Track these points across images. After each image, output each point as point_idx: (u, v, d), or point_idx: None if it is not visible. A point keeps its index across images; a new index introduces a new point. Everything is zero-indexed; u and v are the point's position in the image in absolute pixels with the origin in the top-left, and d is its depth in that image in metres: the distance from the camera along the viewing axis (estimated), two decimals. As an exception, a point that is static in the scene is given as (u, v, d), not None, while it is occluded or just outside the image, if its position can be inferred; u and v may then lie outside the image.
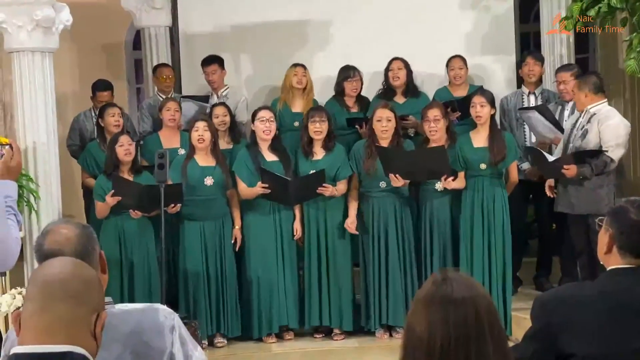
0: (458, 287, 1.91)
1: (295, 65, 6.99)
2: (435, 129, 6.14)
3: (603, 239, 2.74)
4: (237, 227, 6.34)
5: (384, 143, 6.21)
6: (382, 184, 6.24)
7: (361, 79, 6.99)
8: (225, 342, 6.31)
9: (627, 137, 5.99)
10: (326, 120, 6.32)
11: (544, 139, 6.55)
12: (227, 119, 6.68)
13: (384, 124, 6.18)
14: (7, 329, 5.35)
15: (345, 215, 6.32)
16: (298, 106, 6.94)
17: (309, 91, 7.00)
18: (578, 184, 5.93)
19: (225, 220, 6.31)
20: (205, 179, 6.21)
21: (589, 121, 5.94)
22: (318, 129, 6.28)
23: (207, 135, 6.23)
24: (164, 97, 7.28)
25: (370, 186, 6.30)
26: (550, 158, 6.07)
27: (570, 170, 5.86)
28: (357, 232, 6.28)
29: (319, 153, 6.37)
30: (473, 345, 1.87)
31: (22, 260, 5.95)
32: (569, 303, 2.65)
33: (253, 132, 6.42)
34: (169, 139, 6.76)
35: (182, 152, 6.53)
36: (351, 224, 6.27)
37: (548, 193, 6.24)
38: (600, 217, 2.82)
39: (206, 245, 6.22)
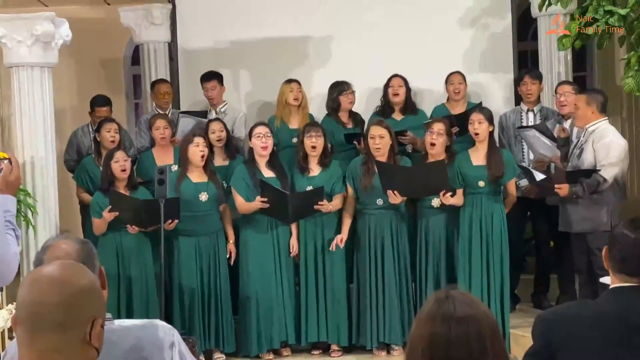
0: (460, 305, 1.91)
1: (290, 81, 6.98)
2: (436, 141, 6.14)
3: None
4: (231, 241, 6.33)
5: (380, 160, 6.20)
6: (379, 201, 6.22)
7: (354, 92, 6.98)
8: (224, 357, 6.29)
9: (624, 156, 5.94)
10: (322, 136, 6.31)
11: (543, 158, 6.55)
12: (224, 134, 6.67)
13: (376, 141, 6.17)
14: (4, 344, 5.33)
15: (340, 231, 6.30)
16: (295, 122, 6.93)
17: (304, 107, 6.99)
18: (575, 202, 5.93)
19: (220, 235, 6.30)
20: (200, 195, 6.21)
21: (587, 140, 5.95)
22: (314, 143, 6.26)
23: (206, 151, 6.24)
24: (161, 112, 7.28)
25: (367, 203, 6.28)
26: (539, 176, 6.07)
27: (563, 189, 5.87)
28: (340, 245, 6.22)
29: (314, 169, 6.36)
30: (475, 363, 1.87)
31: (19, 276, 5.92)
32: (571, 321, 2.65)
33: (251, 149, 6.41)
34: (163, 156, 6.76)
35: (175, 168, 6.51)
36: (340, 241, 6.24)
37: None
38: None
39: (201, 261, 6.21)
